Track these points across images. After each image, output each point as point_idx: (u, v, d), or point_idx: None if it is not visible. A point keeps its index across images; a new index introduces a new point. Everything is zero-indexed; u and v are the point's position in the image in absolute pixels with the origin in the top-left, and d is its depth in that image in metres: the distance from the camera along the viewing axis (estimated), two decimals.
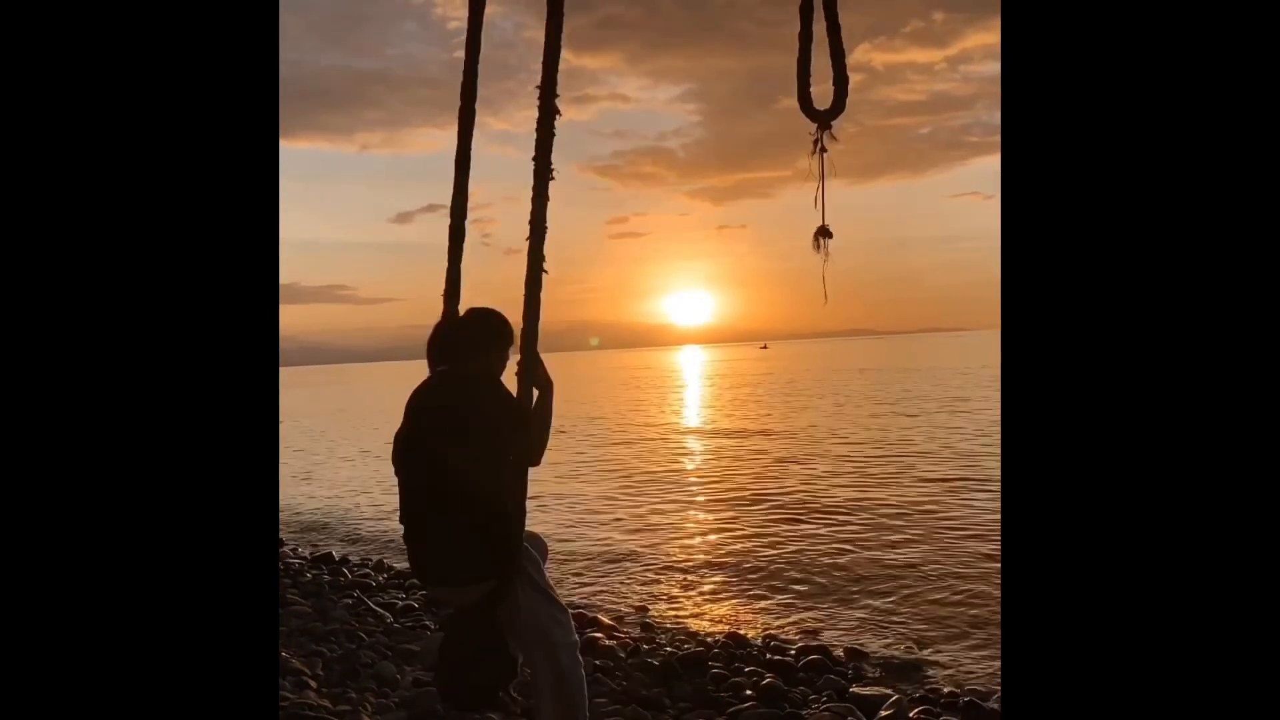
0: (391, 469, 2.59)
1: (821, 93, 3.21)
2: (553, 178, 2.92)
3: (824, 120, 3.15)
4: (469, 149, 3.23)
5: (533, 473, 2.65)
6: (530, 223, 2.86)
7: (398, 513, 2.55)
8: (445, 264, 3.10)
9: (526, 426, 2.53)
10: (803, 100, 3.16)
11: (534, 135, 2.95)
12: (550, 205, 2.95)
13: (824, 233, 3.20)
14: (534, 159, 2.95)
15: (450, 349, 2.64)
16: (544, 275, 2.80)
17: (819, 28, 3.14)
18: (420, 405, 2.57)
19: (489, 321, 2.70)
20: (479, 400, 2.48)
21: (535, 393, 2.62)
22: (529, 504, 2.65)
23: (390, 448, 2.63)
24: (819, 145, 3.15)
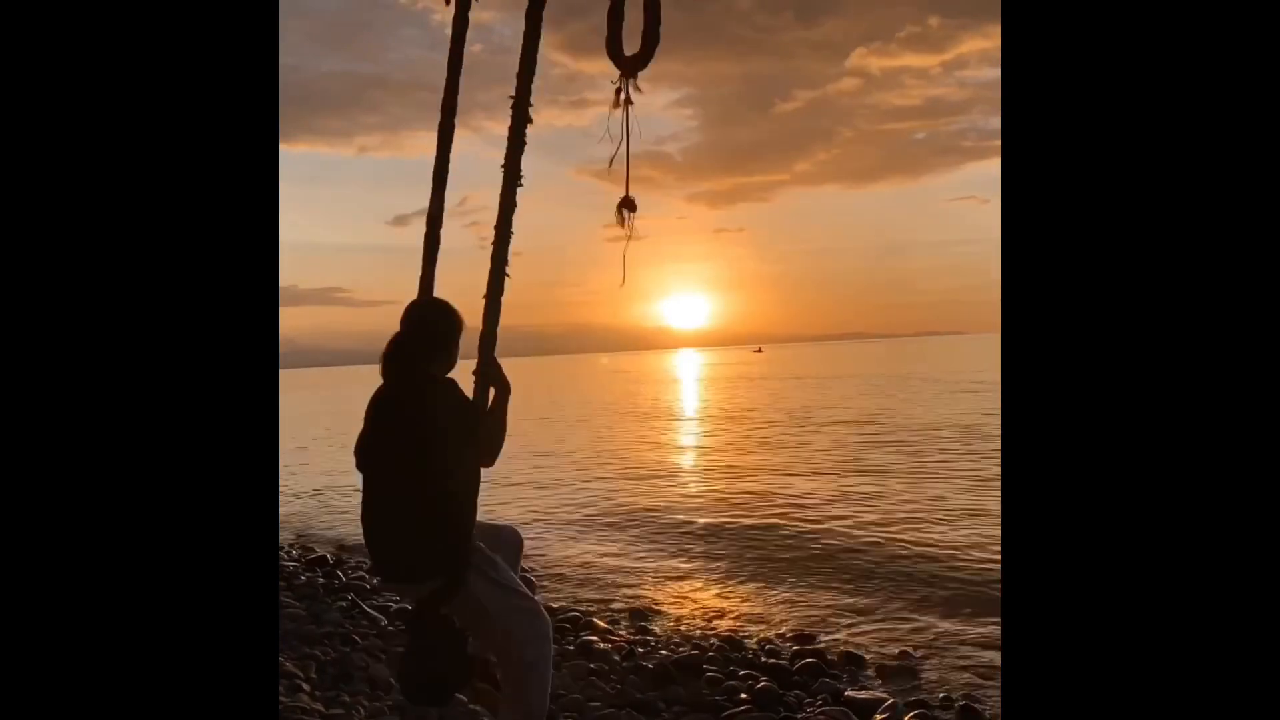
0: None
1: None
2: (520, 184, 2.94)
3: (630, 68, 2.99)
4: (447, 160, 3.25)
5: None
6: (496, 228, 2.90)
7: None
8: (426, 270, 3.15)
9: (479, 429, 2.60)
10: (612, 47, 3.01)
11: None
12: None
13: (627, 204, 3.05)
14: (503, 166, 2.95)
15: (401, 357, 2.70)
16: (506, 280, 2.83)
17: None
18: (378, 410, 2.67)
19: (435, 327, 2.75)
20: (430, 405, 2.57)
21: (491, 394, 2.70)
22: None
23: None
24: (623, 96, 2.98)
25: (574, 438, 21.78)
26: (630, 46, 3.04)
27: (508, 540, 2.86)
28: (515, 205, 2.94)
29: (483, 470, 2.62)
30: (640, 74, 3.11)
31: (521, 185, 2.92)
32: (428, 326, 2.73)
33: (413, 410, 2.57)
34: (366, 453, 2.64)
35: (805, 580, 7.56)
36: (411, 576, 2.54)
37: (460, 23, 3.22)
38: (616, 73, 3.12)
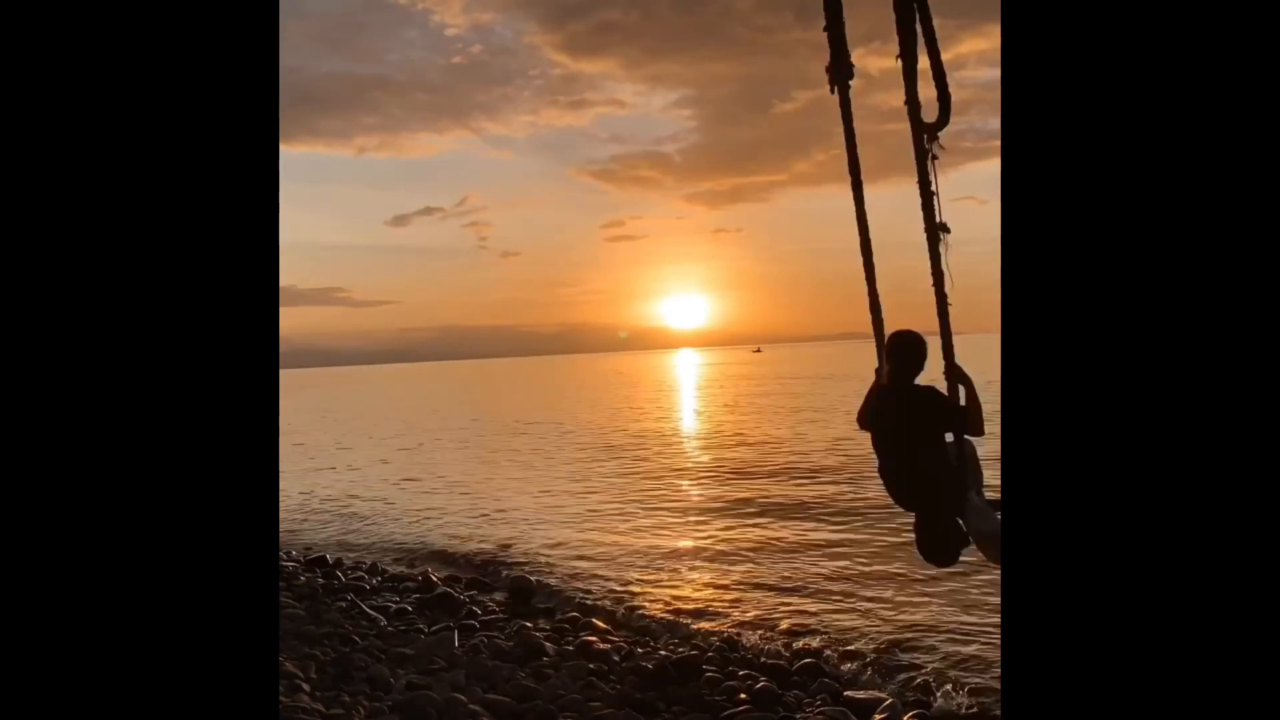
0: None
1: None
2: (947, 230, 3.77)
3: (932, 132, 3.60)
4: (863, 207, 3.96)
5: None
6: (935, 287, 3.76)
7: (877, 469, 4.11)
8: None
9: (964, 413, 3.87)
10: (912, 114, 3.60)
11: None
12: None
13: (943, 228, 3.82)
14: (924, 229, 3.64)
15: (901, 374, 4.02)
16: (949, 307, 3.84)
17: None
18: (897, 405, 3.96)
19: (916, 352, 4.02)
20: (929, 404, 3.90)
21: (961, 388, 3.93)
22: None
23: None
24: (931, 155, 3.65)
25: (573, 439, 21.79)
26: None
27: (970, 453, 4.14)
28: (943, 264, 3.77)
29: None
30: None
31: (947, 237, 3.80)
32: (912, 352, 4.00)
33: (916, 409, 3.93)
34: (894, 433, 4.02)
35: (805, 583, 7.57)
36: (920, 507, 4.05)
37: (846, 105, 3.87)
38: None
